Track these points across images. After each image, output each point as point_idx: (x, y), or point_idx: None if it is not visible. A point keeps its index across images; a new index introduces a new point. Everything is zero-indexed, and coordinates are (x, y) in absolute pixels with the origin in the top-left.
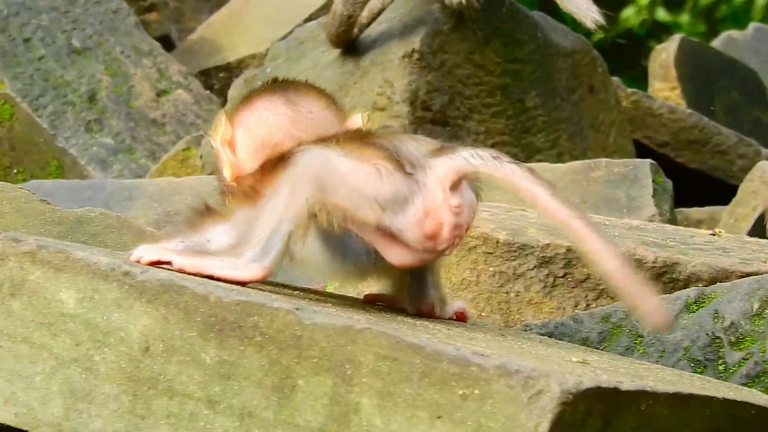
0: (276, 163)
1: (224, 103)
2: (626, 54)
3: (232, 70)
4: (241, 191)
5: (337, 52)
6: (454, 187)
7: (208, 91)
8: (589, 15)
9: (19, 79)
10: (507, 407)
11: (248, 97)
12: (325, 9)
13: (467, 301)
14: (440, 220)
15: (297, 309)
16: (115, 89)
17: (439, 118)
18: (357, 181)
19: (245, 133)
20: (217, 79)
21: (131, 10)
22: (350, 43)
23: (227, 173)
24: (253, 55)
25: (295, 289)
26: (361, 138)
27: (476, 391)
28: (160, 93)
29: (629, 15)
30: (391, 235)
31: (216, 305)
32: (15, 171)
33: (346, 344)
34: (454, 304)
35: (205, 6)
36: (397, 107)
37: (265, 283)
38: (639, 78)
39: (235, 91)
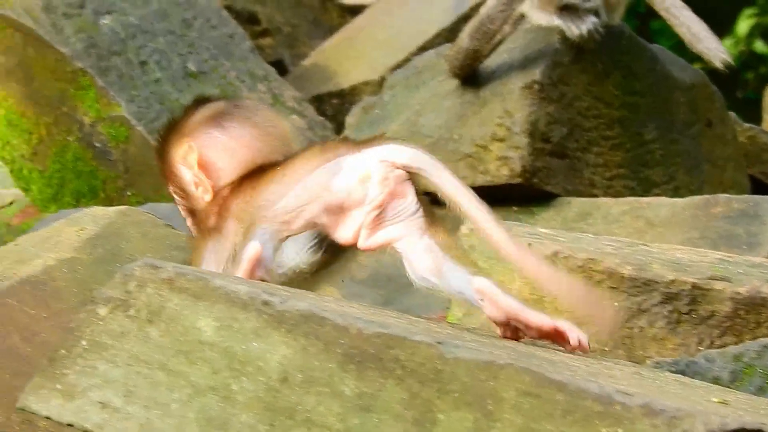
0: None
1: (338, 128)
2: (721, 86)
3: (345, 96)
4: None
5: (456, 81)
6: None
7: (321, 117)
8: (719, 55)
9: (135, 102)
10: None
11: (209, 119)
12: (439, 37)
13: (590, 335)
14: None
15: (438, 343)
16: None
17: (557, 150)
18: None
19: (219, 152)
20: (330, 105)
21: (246, 35)
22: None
23: (203, 193)
24: (366, 82)
25: (429, 320)
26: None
27: (620, 430)
28: None
29: (727, 46)
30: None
31: (357, 337)
32: (129, 193)
33: (488, 379)
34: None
35: (318, 32)
36: (517, 138)
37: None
38: (732, 108)
39: (352, 118)
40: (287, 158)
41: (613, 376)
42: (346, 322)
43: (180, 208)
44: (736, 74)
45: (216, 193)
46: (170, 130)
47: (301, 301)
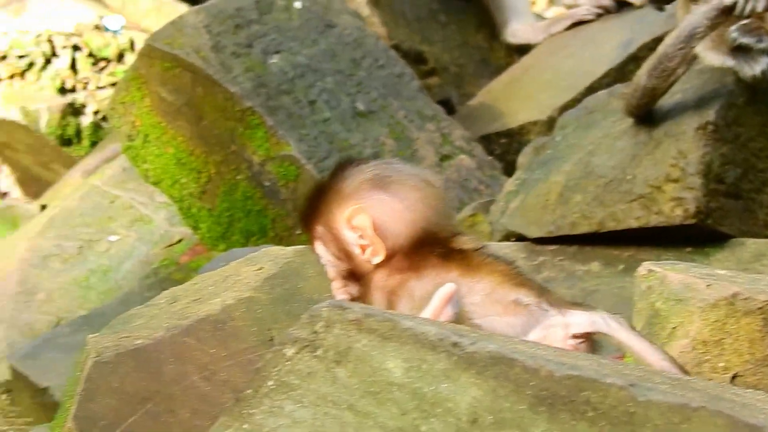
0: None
1: (507, 168)
2: None
3: (513, 136)
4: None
5: (629, 121)
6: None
7: (490, 157)
8: None
9: (305, 141)
10: None
11: (371, 181)
12: (607, 77)
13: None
14: None
15: (631, 385)
16: (399, 153)
17: (732, 191)
18: None
19: (388, 215)
20: (498, 145)
21: (414, 74)
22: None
23: (371, 255)
24: (535, 122)
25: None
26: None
27: None
28: (443, 158)
29: None
30: None
31: (547, 379)
32: (298, 232)
33: (681, 422)
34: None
35: (485, 71)
36: (691, 179)
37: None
38: None
39: (523, 158)
40: (471, 256)
41: None
42: (537, 364)
43: (330, 269)
44: None
45: (390, 256)
46: (324, 193)
47: (491, 342)
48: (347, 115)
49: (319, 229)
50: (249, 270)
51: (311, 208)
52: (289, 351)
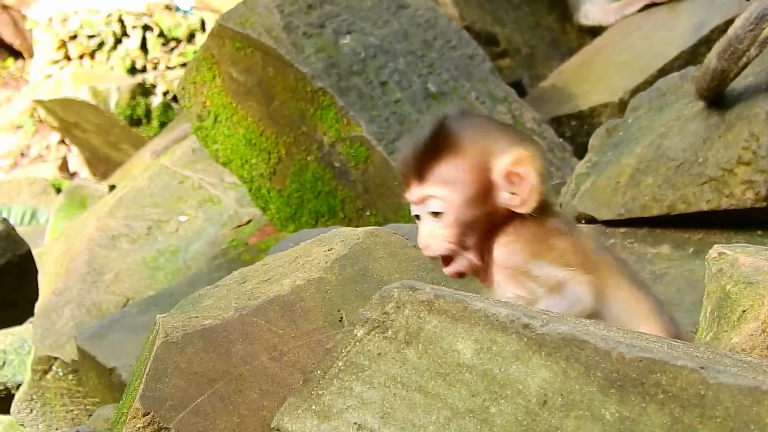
0: None
1: (577, 150)
2: None
3: (584, 118)
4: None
5: (700, 104)
6: None
7: (560, 139)
8: None
9: (375, 122)
10: None
11: (522, 134)
12: (679, 59)
13: None
14: None
15: (701, 368)
16: None
17: None
18: None
19: (541, 170)
20: (569, 127)
21: (486, 55)
22: (717, 97)
23: (522, 204)
24: (606, 104)
25: (689, 345)
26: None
27: None
28: None
29: None
30: None
31: (618, 361)
32: (368, 213)
33: (752, 405)
34: None
35: (556, 53)
36: (763, 162)
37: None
38: None
39: (595, 140)
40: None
41: None
42: (608, 346)
43: (447, 217)
44: None
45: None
46: (447, 137)
47: (562, 324)
48: (418, 97)
49: (448, 173)
50: (319, 251)
51: (433, 151)
52: (360, 332)
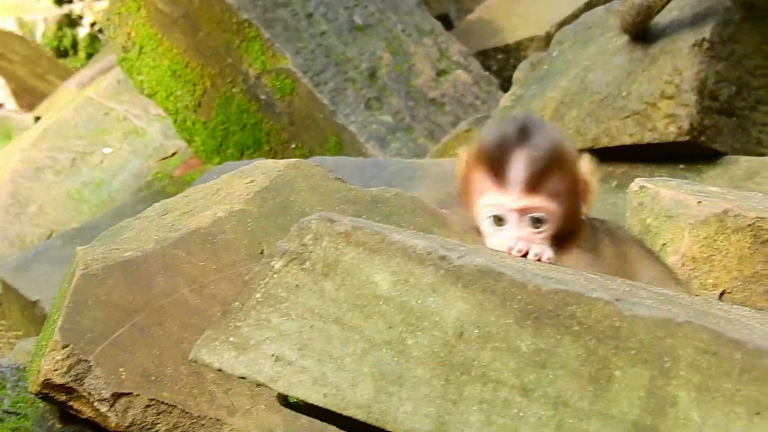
0: None
1: (504, 84)
2: None
3: (511, 51)
4: None
5: (625, 38)
6: None
7: (487, 72)
8: None
9: (301, 54)
10: None
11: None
12: None
13: (759, 294)
14: None
15: (616, 300)
16: (396, 67)
17: (725, 109)
18: None
19: None
20: (496, 61)
21: None
22: (642, 31)
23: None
24: (532, 38)
25: (608, 279)
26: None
27: None
28: (440, 72)
29: None
30: None
31: (534, 293)
32: (293, 146)
33: (666, 337)
34: None
35: None
36: (685, 96)
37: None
38: None
39: (520, 74)
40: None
41: None
42: (524, 278)
43: (554, 228)
44: None
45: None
46: (552, 149)
47: (479, 256)
48: (344, 29)
49: (557, 187)
50: (240, 183)
51: (545, 165)
52: (277, 264)
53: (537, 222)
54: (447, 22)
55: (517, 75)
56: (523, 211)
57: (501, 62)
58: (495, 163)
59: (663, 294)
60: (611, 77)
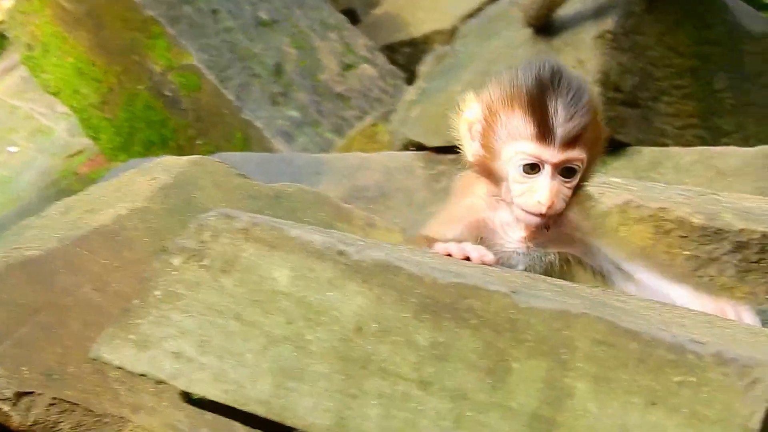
0: None
1: (411, 78)
2: None
3: (417, 45)
4: None
5: (529, 31)
6: None
7: (393, 66)
8: None
9: (206, 51)
10: (722, 395)
11: None
12: None
13: None
14: None
15: (513, 292)
16: (302, 62)
17: (629, 100)
18: None
19: None
20: (402, 54)
21: None
22: (545, 24)
23: None
24: (438, 31)
25: (507, 271)
26: None
27: (692, 379)
28: (346, 67)
29: None
30: None
31: (431, 286)
32: (200, 142)
33: (562, 328)
34: None
35: None
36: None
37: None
38: None
39: (424, 67)
40: None
41: (684, 325)
42: (421, 272)
43: (578, 179)
44: None
45: None
46: (590, 100)
47: (377, 250)
48: (250, 25)
49: (589, 136)
50: (143, 180)
51: (581, 115)
52: (176, 260)
53: (570, 172)
54: (353, 16)
55: (422, 68)
56: (561, 163)
57: (407, 56)
58: (536, 111)
59: (561, 285)
60: None
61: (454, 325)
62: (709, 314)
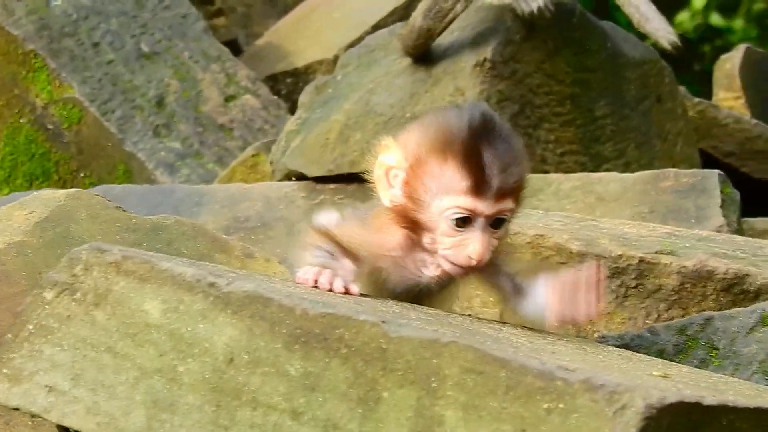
0: None
1: (292, 108)
2: (679, 58)
3: (300, 75)
4: None
5: (408, 60)
6: None
7: (275, 97)
8: (666, 36)
9: (88, 83)
10: (591, 421)
11: None
12: (393, 15)
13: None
14: None
15: (383, 321)
16: (184, 94)
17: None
18: None
19: None
20: (285, 85)
21: (200, 15)
22: (423, 53)
23: None
24: (321, 61)
25: (379, 301)
26: None
27: (561, 405)
28: (228, 98)
29: (683, 19)
30: None
31: (302, 317)
32: (82, 174)
33: (432, 357)
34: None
35: (273, 11)
36: None
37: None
38: (690, 81)
39: (305, 97)
40: None
41: (556, 351)
42: (292, 303)
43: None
44: (693, 47)
45: None
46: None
47: (248, 282)
48: (131, 57)
49: (520, 186)
50: (20, 214)
51: (515, 165)
52: (49, 294)
53: (500, 222)
54: (235, 47)
55: (302, 99)
56: (494, 215)
57: (290, 86)
58: (471, 163)
59: (434, 314)
60: (395, 99)
61: (324, 355)
62: (583, 339)
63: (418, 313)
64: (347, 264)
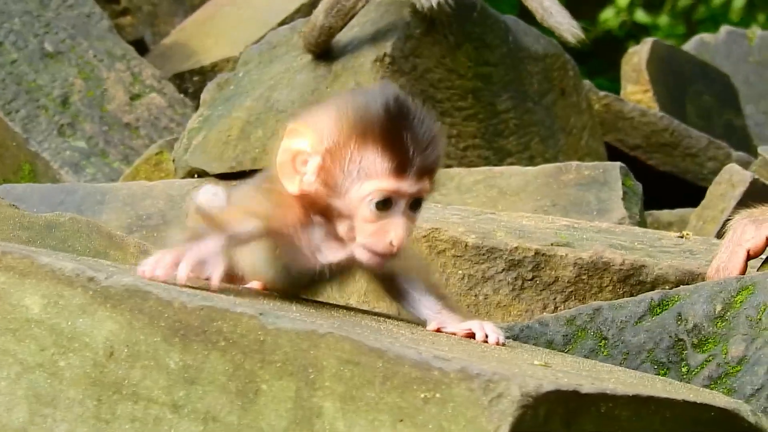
0: None
1: (198, 106)
2: (605, 55)
3: (206, 73)
4: None
5: (309, 56)
6: None
7: (182, 95)
8: (570, 30)
9: None
10: (468, 410)
11: None
12: (299, 12)
13: None
14: None
15: (260, 314)
16: (89, 93)
17: None
18: None
19: None
20: (191, 83)
21: (104, 14)
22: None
23: None
24: (227, 59)
25: (260, 293)
26: None
27: (437, 395)
28: (134, 97)
29: (608, 17)
30: None
31: (180, 310)
32: None
33: (309, 348)
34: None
35: (179, 10)
36: None
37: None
38: (617, 79)
39: (207, 95)
40: None
41: (436, 342)
42: (170, 296)
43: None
44: (620, 43)
45: None
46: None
47: (126, 276)
48: (35, 56)
49: (438, 164)
50: None
51: (434, 145)
52: None
53: (417, 204)
54: (142, 46)
55: (204, 96)
56: (415, 194)
57: (197, 84)
58: (393, 144)
59: (317, 305)
60: (296, 95)
61: (203, 348)
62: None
63: (299, 305)
64: (211, 244)
